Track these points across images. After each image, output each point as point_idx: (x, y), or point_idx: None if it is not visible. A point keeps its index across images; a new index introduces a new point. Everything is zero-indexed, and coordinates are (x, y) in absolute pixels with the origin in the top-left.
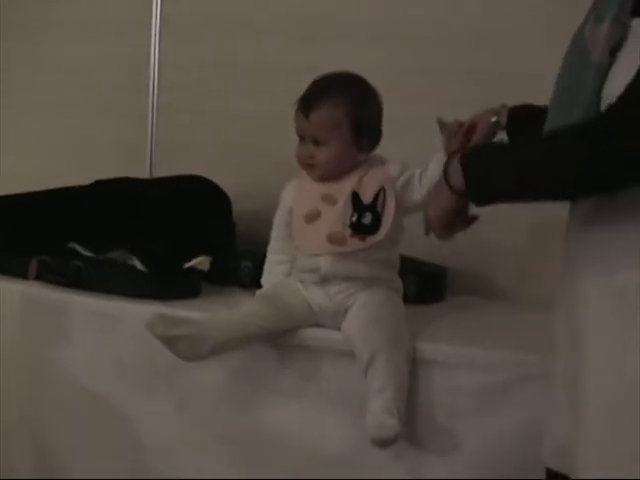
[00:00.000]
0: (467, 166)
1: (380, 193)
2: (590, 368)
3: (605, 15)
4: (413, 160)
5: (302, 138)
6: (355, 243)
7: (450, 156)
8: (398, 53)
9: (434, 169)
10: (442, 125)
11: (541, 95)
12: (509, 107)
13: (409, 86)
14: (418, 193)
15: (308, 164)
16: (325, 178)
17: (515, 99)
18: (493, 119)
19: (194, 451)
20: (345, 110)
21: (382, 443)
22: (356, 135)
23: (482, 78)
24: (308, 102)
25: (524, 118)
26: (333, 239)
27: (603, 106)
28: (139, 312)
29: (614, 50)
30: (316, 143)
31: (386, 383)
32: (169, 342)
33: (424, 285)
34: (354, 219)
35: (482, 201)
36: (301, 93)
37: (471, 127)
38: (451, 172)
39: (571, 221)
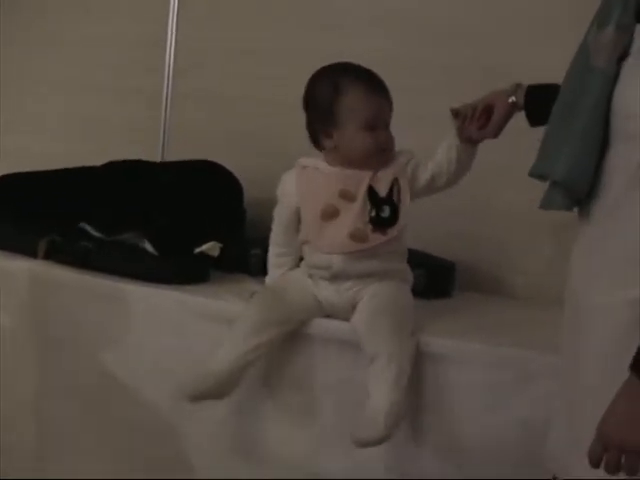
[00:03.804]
0: None
1: (394, 185)
2: (588, 377)
3: (608, 21)
4: (425, 153)
5: (374, 127)
6: (377, 238)
7: None
8: (416, 44)
9: (443, 153)
10: (455, 112)
11: None
12: (525, 86)
13: (426, 79)
14: (423, 177)
15: (385, 149)
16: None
17: None
18: (511, 99)
19: (196, 434)
20: None
21: (362, 444)
22: None
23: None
24: (382, 84)
25: (543, 98)
26: (356, 236)
27: (614, 114)
28: (148, 294)
29: (622, 57)
30: (387, 126)
31: (384, 385)
32: (206, 397)
33: (433, 279)
34: (373, 214)
35: None
36: None
37: (486, 109)
38: None
39: (581, 235)
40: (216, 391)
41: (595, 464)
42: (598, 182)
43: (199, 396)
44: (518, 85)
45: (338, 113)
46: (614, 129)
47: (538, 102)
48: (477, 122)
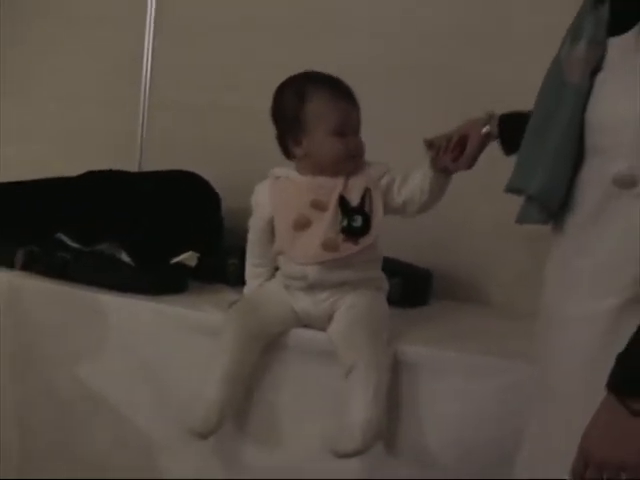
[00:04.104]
0: None
1: (366, 194)
2: (562, 388)
3: (581, 36)
4: (400, 162)
5: (343, 133)
6: (349, 247)
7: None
8: (385, 51)
9: (416, 182)
10: (429, 143)
11: (530, 101)
12: (498, 115)
13: (393, 86)
14: (395, 201)
15: (355, 156)
16: (333, 174)
17: (505, 104)
18: (484, 130)
19: (170, 446)
20: None
21: (340, 455)
22: None
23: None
24: (349, 90)
25: (516, 127)
26: (328, 246)
27: (588, 128)
28: (125, 305)
29: (594, 71)
30: (356, 132)
31: (363, 397)
32: (213, 432)
33: (409, 288)
34: (345, 224)
35: None
36: None
37: (460, 140)
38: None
39: (555, 247)
40: (222, 420)
41: None
42: (572, 196)
43: (210, 433)
44: (491, 114)
45: (305, 120)
46: (588, 143)
47: (512, 131)
48: (451, 153)
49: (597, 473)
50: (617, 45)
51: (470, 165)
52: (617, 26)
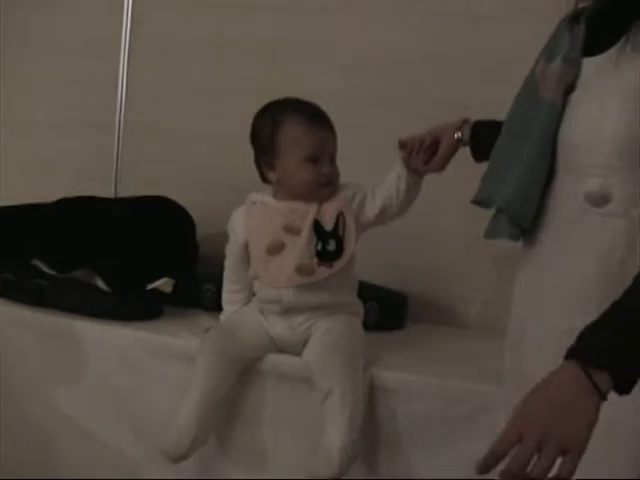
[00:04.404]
0: (615, 370)
1: (340, 218)
2: None
3: (556, 54)
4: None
5: (316, 159)
6: (323, 271)
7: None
8: (363, 80)
9: (391, 183)
10: (402, 144)
11: None
12: (471, 122)
13: (369, 113)
14: (371, 210)
15: (326, 183)
16: (306, 199)
17: None
18: (457, 135)
19: (147, 471)
20: None
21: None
22: None
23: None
24: (325, 118)
25: (488, 134)
26: (302, 270)
27: (560, 145)
28: (101, 332)
29: (568, 90)
30: (331, 159)
31: (339, 423)
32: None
33: (385, 312)
34: (319, 247)
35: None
36: None
37: (433, 143)
38: (599, 381)
39: (525, 264)
40: (194, 445)
41: (502, 453)
42: (543, 212)
43: (182, 458)
44: (465, 120)
45: (278, 145)
46: (560, 160)
47: (483, 138)
48: (423, 155)
49: (532, 448)
50: (593, 65)
51: (441, 168)
52: (592, 47)
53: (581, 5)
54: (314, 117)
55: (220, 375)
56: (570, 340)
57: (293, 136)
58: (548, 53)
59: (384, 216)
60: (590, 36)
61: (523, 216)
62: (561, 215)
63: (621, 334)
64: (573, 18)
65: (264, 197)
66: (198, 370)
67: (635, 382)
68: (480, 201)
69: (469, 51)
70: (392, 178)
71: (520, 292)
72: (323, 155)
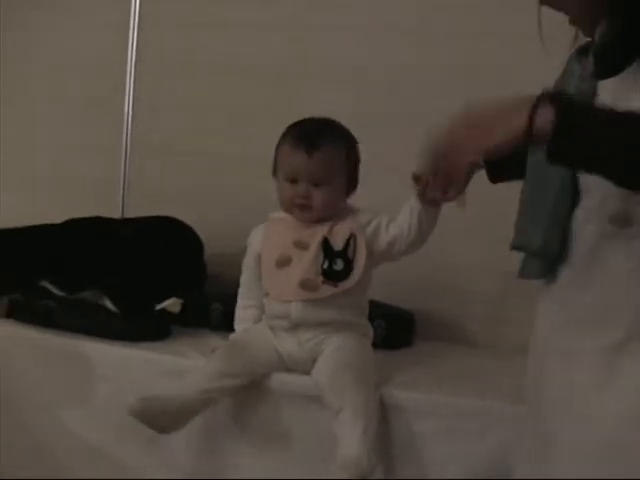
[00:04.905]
0: (564, 114)
1: (350, 240)
2: (552, 423)
3: (569, 87)
4: (380, 205)
5: (294, 180)
6: (327, 289)
7: (542, 98)
8: (378, 96)
9: (405, 217)
10: (416, 177)
11: None
12: None
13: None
14: (384, 240)
15: (301, 205)
16: (320, 220)
17: None
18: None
19: None
20: (347, 152)
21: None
22: (350, 178)
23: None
24: (311, 139)
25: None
26: (305, 285)
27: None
28: (109, 352)
29: None
30: (315, 184)
31: (354, 431)
32: (149, 422)
33: (392, 330)
34: (325, 266)
35: (559, 160)
36: (276, 133)
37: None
38: (540, 111)
39: (551, 282)
40: (156, 419)
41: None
42: (569, 233)
43: (139, 414)
44: None
45: (276, 162)
46: (583, 185)
47: (498, 162)
48: (440, 186)
49: (458, 156)
50: (608, 89)
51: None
52: (606, 70)
53: (586, 40)
54: (301, 139)
55: (218, 379)
56: (597, 359)
57: (281, 155)
58: (560, 87)
59: (392, 250)
60: (602, 61)
61: (552, 254)
62: (587, 236)
63: (592, 117)
64: (581, 52)
65: (282, 214)
66: (203, 371)
67: (565, 153)
68: (517, 248)
69: (470, 65)
70: (406, 211)
71: (546, 311)
72: (301, 177)
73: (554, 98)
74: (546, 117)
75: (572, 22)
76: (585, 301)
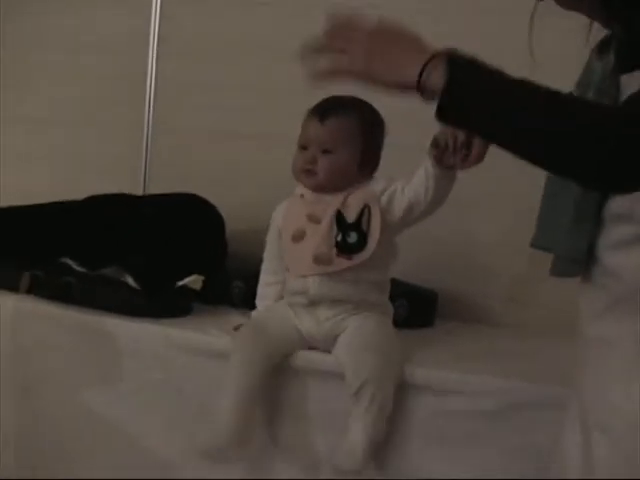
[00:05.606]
0: (454, 71)
1: (364, 211)
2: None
3: (589, 87)
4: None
5: (305, 147)
6: (341, 262)
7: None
8: None
9: (420, 180)
10: (435, 142)
11: None
12: None
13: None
14: (400, 206)
15: (307, 170)
16: (323, 187)
17: None
18: None
19: (186, 469)
20: (361, 125)
21: (339, 473)
22: (363, 153)
23: None
24: (326, 109)
25: None
26: (319, 259)
27: None
28: (131, 329)
29: None
30: (324, 151)
31: (365, 420)
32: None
33: (415, 309)
34: (339, 238)
35: (449, 119)
36: (297, 112)
37: (468, 138)
38: (430, 68)
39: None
40: (229, 442)
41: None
42: (602, 224)
43: (215, 451)
44: None
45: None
46: None
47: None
48: (460, 152)
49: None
50: (630, 83)
51: (479, 162)
52: (630, 63)
53: (605, 33)
54: (317, 109)
55: (254, 374)
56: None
57: (302, 126)
58: (582, 86)
59: (410, 216)
60: (623, 55)
61: (580, 259)
62: (617, 232)
63: (491, 81)
64: (602, 46)
65: (302, 189)
66: (232, 369)
67: (452, 114)
68: (540, 248)
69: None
70: (421, 175)
71: (583, 298)
72: (311, 144)
73: (451, 55)
74: (438, 73)
75: (589, 16)
76: (619, 289)
